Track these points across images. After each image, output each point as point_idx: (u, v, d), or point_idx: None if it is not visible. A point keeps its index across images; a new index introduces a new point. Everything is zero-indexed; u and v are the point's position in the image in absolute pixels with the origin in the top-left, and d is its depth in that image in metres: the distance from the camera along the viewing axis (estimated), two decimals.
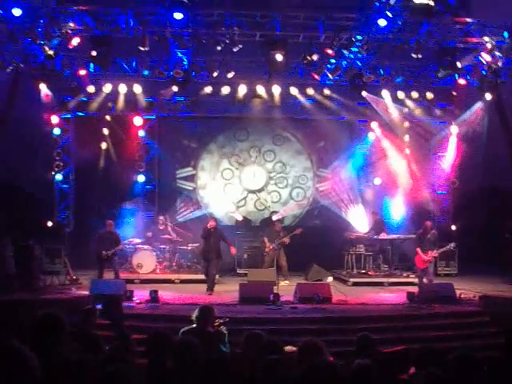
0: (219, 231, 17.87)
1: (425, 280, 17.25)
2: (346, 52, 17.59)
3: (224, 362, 5.20)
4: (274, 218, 21.20)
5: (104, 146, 21.69)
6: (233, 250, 18.16)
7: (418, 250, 17.04)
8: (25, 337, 4.88)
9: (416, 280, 18.11)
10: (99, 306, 12.58)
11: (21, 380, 3.36)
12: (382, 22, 16.09)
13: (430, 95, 20.94)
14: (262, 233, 20.71)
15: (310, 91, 20.69)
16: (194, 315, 8.51)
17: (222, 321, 8.79)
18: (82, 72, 18.68)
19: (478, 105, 21.03)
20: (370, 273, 20.04)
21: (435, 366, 5.98)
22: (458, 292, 16.26)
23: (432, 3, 15.01)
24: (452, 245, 17.65)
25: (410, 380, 6.22)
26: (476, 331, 14.03)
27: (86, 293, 15.52)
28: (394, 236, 20.29)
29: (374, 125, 22.40)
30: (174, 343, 6.05)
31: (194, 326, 8.42)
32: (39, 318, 5.04)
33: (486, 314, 14.86)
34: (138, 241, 19.88)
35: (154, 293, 15.41)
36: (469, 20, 16.95)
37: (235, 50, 17.09)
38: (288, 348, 6.63)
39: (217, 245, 17.54)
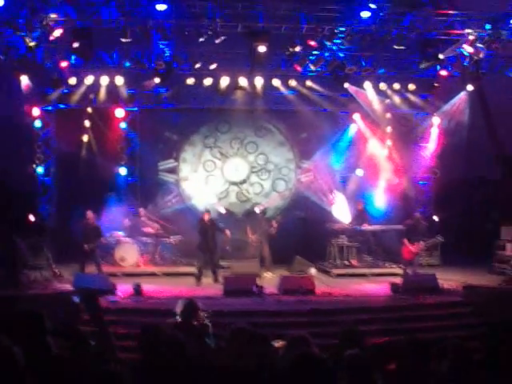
0: (213, 222, 18.46)
1: (409, 271, 17.32)
2: (328, 43, 17.61)
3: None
4: (257, 209, 21.18)
5: (85, 138, 21.51)
6: (228, 233, 18.73)
7: (406, 241, 17.04)
8: (10, 333, 4.87)
9: (399, 271, 18.18)
10: (77, 300, 12.58)
11: (6, 375, 3.34)
12: (365, 14, 16.14)
13: (412, 86, 21.09)
14: (244, 224, 20.71)
15: (293, 83, 20.70)
16: (178, 309, 8.49)
17: (205, 314, 8.78)
18: (64, 64, 18.53)
19: (460, 96, 21.14)
20: (353, 262, 20.08)
21: (419, 357, 6.02)
22: (441, 282, 16.37)
23: None
24: (439, 237, 17.71)
25: (395, 371, 6.25)
26: (459, 321, 14.14)
27: (70, 287, 15.46)
28: (377, 227, 20.37)
29: (357, 116, 22.39)
30: (165, 337, 6.04)
31: (178, 319, 8.41)
32: (17, 316, 5.02)
33: (469, 304, 15.00)
34: (121, 233, 19.81)
35: (137, 286, 15.38)
36: (451, 12, 16.98)
37: (218, 41, 17.02)
38: (278, 344, 6.65)
39: (214, 236, 18.09)
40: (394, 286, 15.83)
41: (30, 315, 5.07)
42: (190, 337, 7.01)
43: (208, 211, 18.71)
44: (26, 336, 4.86)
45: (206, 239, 17.85)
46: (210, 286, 16.87)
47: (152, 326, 6.62)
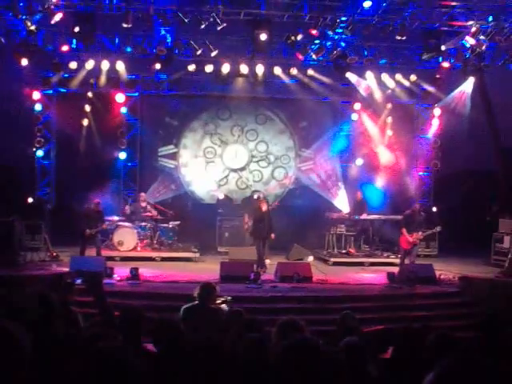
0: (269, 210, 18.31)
1: (406, 261, 17.30)
2: (330, 33, 17.61)
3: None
4: (255, 196, 21.19)
5: (86, 122, 21.46)
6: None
7: (404, 230, 16.97)
8: (10, 313, 4.88)
9: (396, 260, 18.21)
10: (78, 281, 12.62)
11: (9, 359, 3.34)
12: (367, 4, 16.09)
13: (413, 77, 20.98)
14: (242, 211, 20.74)
15: (294, 71, 20.61)
16: (196, 292, 8.52)
17: (223, 299, 8.85)
18: (65, 48, 18.45)
19: (461, 88, 21.13)
20: (350, 251, 20.12)
21: (415, 346, 6.03)
22: (437, 273, 16.41)
23: None
24: (438, 228, 17.71)
25: (390, 360, 6.27)
26: (455, 312, 14.18)
27: (67, 269, 15.50)
28: (375, 216, 20.38)
29: (357, 106, 22.37)
30: (147, 320, 6.04)
31: (196, 302, 8.44)
32: (30, 298, 5.01)
33: (466, 295, 15.04)
34: (118, 218, 19.81)
35: (134, 270, 15.40)
36: (454, 3, 16.90)
37: (219, 28, 17.00)
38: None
39: (269, 224, 17.76)
40: (390, 276, 15.87)
41: (39, 297, 5.06)
42: (205, 320, 7.12)
43: (266, 200, 18.75)
44: (36, 321, 4.84)
45: (261, 227, 17.79)
46: (206, 271, 16.86)
47: (131, 308, 6.63)
